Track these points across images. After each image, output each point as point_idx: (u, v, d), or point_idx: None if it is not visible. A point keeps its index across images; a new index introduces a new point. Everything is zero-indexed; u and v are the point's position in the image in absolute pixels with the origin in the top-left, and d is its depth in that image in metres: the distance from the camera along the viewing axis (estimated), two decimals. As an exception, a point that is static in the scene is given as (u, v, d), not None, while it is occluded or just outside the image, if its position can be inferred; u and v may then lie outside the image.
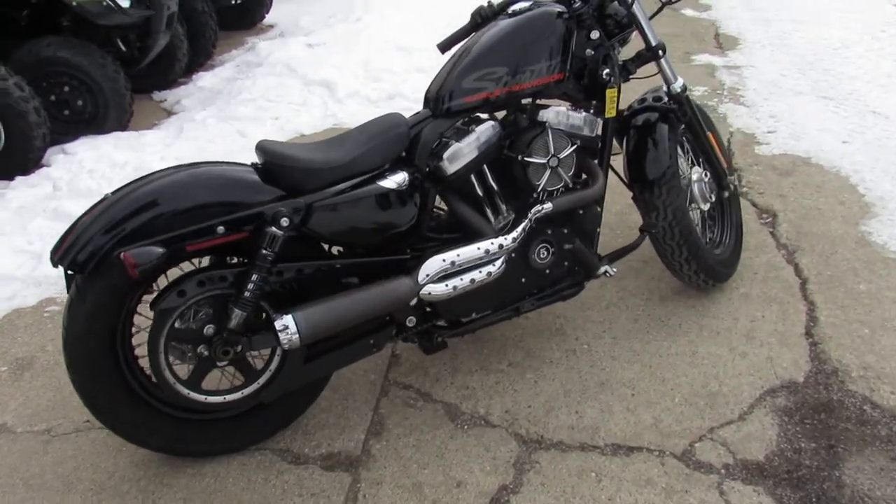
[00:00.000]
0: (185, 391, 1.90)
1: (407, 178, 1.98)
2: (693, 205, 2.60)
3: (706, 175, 2.64)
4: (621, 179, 2.52)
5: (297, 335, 1.80)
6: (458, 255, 1.99)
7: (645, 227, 2.41)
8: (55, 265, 1.76)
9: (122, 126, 4.07)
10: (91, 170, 3.45)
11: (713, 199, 2.68)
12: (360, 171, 1.95)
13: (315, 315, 1.83)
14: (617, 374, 2.35)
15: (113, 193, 1.83)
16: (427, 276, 1.96)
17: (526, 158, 2.07)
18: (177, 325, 1.86)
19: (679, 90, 2.40)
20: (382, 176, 1.97)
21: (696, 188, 2.62)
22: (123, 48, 4.33)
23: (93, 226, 1.75)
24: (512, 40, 2.07)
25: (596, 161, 2.33)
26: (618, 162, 2.50)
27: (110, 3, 3.78)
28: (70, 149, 3.75)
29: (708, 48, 5.50)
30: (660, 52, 2.32)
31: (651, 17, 2.38)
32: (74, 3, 3.72)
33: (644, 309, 2.65)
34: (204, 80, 4.92)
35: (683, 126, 2.52)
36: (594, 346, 2.48)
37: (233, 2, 6.10)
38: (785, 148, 3.84)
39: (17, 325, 2.75)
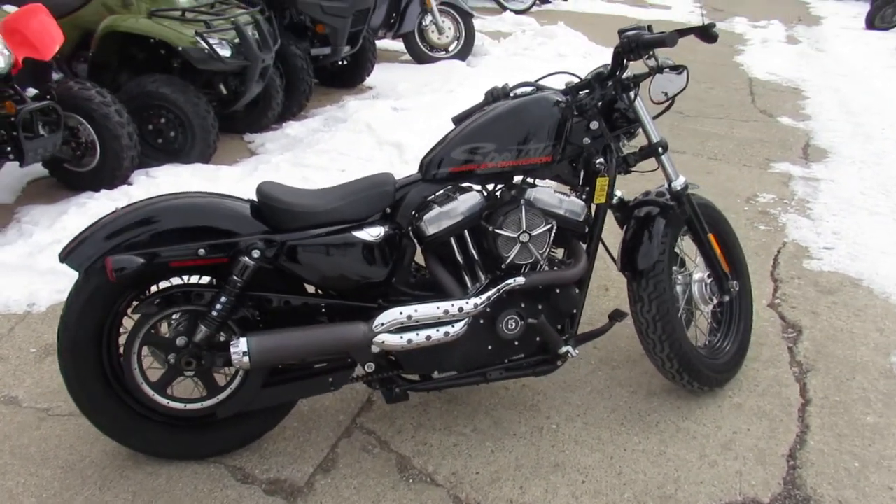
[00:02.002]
0: (150, 392, 2.09)
1: (382, 233, 2.12)
2: (688, 306, 2.59)
3: (709, 277, 2.62)
4: (616, 265, 2.55)
5: (247, 357, 1.95)
6: (416, 311, 2.09)
7: (613, 315, 2.42)
8: (61, 261, 2.02)
9: (205, 159, 4.49)
10: (165, 192, 3.84)
11: (714, 301, 2.65)
12: (340, 220, 2.12)
13: (267, 342, 1.98)
14: (575, 458, 2.34)
15: (122, 208, 2.09)
16: (382, 325, 2.07)
17: (496, 230, 2.17)
18: (153, 331, 2.08)
19: (679, 188, 2.44)
20: (360, 227, 2.12)
21: (695, 288, 2.61)
22: (224, 91, 4.82)
23: (96, 233, 2.00)
24: (504, 120, 2.21)
25: (585, 245, 2.40)
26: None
27: (211, 52, 4.25)
28: (153, 172, 4.18)
29: (791, 157, 5.38)
30: (660, 149, 2.38)
31: (658, 116, 2.44)
32: (180, 49, 4.21)
33: (626, 401, 2.62)
34: (292, 128, 5.35)
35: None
36: (562, 428, 2.48)
37: (339, 63, 6.61)
38: (837, 266, 3.70)
39: (58, 315, 3.07)
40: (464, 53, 7.97)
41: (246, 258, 1.99)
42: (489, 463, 2.31)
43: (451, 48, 7.97)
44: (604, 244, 2.59)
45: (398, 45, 8.24)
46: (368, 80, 6.93)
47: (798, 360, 2.88)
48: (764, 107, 6.85)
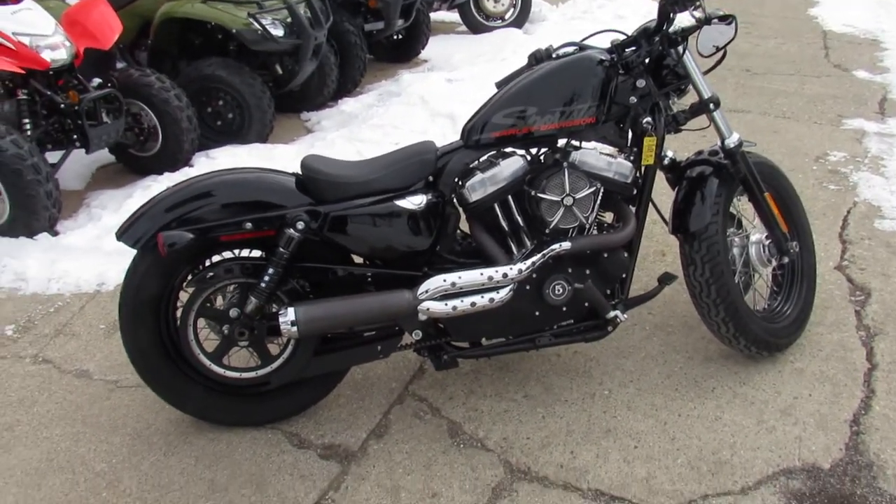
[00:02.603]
0: (206, 362, 2.18)
1: (425, 202, 2.13)
2: (745, 269, 2.50)
3: (766, 238, 2.53)
4: (667, 227, 2.48)
5: (296, 327, 2.00)
6: (460, 278, 2.10)
7: (663, 278, 2.36)
8: (117, 239, 2.11)
9: (262, 139, 4.59)
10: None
11: (773, 263, 2.55)
12: (382, 190, 2.13)
13: (314, 311, 2.03)
14: (627, 424, 2.31)
15: (171, 187, 2.16)
16: (426, 292, 2.09)
17: (539, 194, 2.14)
18: (208, 304, 2.15)
19: (733, 146, 2.34)
20: (402, 196, 2.13)
21: (753, 250, 2.52)
22: (280, 71, 4.90)
23: (149, 211, 2.08)
24: (544, 82, 2.17)
25: (633, 207, 2.34)
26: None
27: (264, 32, 4.32)
28: (213, 154, 4.31)
29: (866, 113, 5.08)
30: (711, 105, 2.29)
31: (709, 70, 2.35)
32: (234, 31, 4.30)
33: (682, 366, 2.57)
34: (347, 105, 5.40)
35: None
36: (615, 394, 2.45)
37: (395, 37, 6.61)
38: (912, 226, 3.50)
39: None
40: (520, 21, 7.85)
41: (291, 230, 2.04)
42: (540, 429, 2.31)
43: (507, 16, 7.85)
44: (655, 206, 2.53)
45: (454, 15, 8.17)
46: (423, 53, 6.92)
47: (865, 324, 2.75)
48: (838, 61, 6.49)
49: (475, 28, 7.72)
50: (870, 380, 2.47)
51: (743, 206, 2.59)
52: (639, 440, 2.25)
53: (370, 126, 4.76)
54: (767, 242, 2.53)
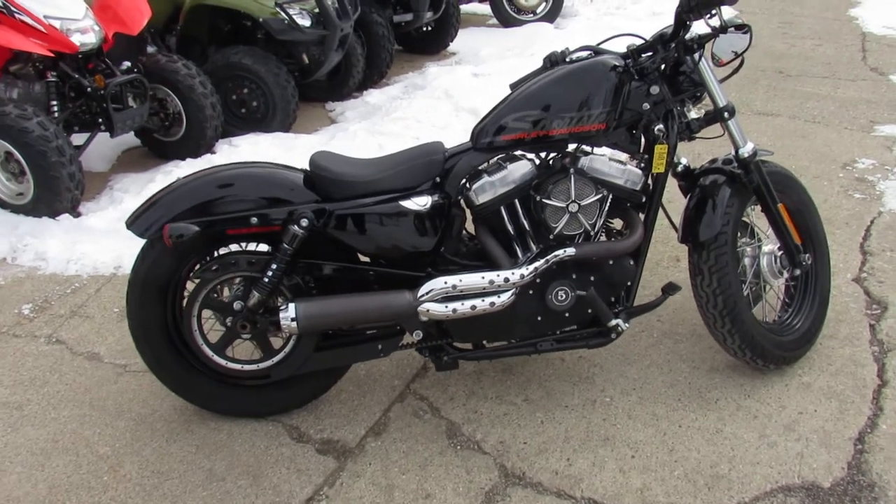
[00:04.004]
0: (209, 353, 2.22)
1: (430, 203, 2.13)
2: (756, 279, 2.46)
3: (779, 249, 2.48)
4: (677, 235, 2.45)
5: (295, 323, 2.02)
6: (461, 281, 2.10)
7: (666, 288, 2.34)
8: (127, 228, 2.15)
9: (286, 128, 4.63)
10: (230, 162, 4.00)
11: (785, 275, 2.51)
12: (389, 189, 2.14)
13: (314, 308, 2.05)
14: (626, 433, 2.30)
15: (182, 179, 2.19)
16: (427, 293, 2.09)
17: (543, 200, 2.13)
18: (214, 295, 2.18)
19: (747, 155, 2.30)
20: (407, 197, 2.14)
21: (764, 261, 2.48)
22: (307, 61, 4.92)
23: (158, 202, 2.11)
24: (556, 87, 2.15)
25: (643, 215, 2.32)
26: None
27: (291, 21, 4.34)
28: (236, 141, 4.36)
29: (900, 120, 4.97)
30: (725, 114, 2.25)
31: (725, 78, 2.30)
32: (261, 20, 4.33)
33: (686, 376, 2.54)
34: (372, 96, 5.41)
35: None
36: (616, 402, 2.43)
37: (424, 29, 6.60)
38: (938, 240, 3.41)
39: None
40: (552, 15, 7.78)
41: (295, 227, 2.05)
42: (538, 433, 2.31)
43: (538, 10, 7.80)
44: (666, 213, 2.51)
45: (485, 8, 8.13)
46: (452, 46, 6.90)
47: (879, 339, 2.70)
48: (875, 64, 6.33)
49: (506, 21, 7.68)
50: (878, 397, 2.42)
51: (757, 215, 2.55)
52: (637, 450, 2.24)
53: (393, 119, 4.77)
54: (779, 254, 2.49)
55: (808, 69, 6.20)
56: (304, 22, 4.44)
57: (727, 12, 2.13)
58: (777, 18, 8.02)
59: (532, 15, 7.73)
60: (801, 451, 2.21)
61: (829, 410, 2.36)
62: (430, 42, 6.79)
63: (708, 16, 2.09)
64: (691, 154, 3.98)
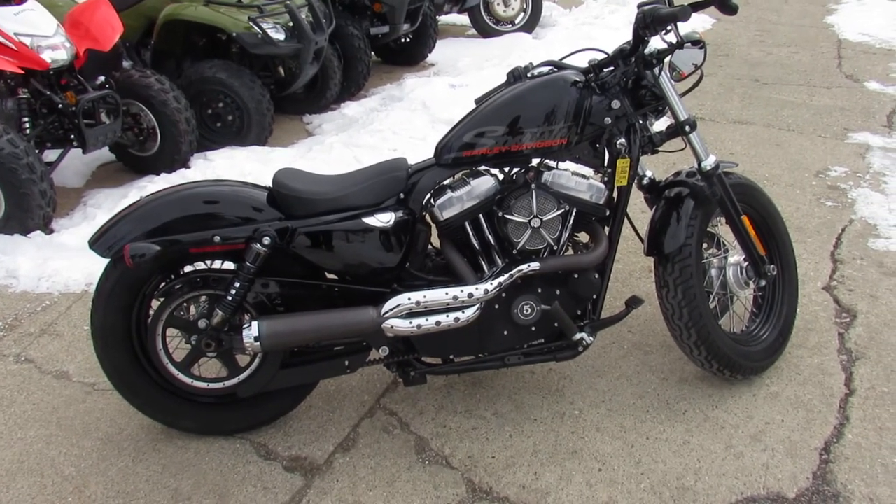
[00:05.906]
0: (175, 372, 2.21)
1: (393, 219, 2.14)
2: (723, 291, 2.48)
3: (745, 260, 2.51)
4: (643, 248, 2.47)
5: (258, 342, 2.02)
6: (425, 297, 2.10)
7: (630, 302, 2.35)
8: (90, 247, 2.14)
9: (262, 141, 4.62)
10: (220, 176, 3.99)
11: (751, 286, 2.53)
12: (352, 206, 2.14)
13: (278, 326, 2.04)
14: (594, 445, 2.31)
15: (146, 197, 2.18)
16: (391, 310, 2.10)
17: (506, 215, 2.14)
18: (180, 312, 2.18)
19: (709, 168, 2.32)
20: (370, 213, 2.14)
21: (730, 272, 2.51)
22: (283, 74, 4.93)
23: (120, 221, 2.10)
24: (517, 102, 2.16)
25: (607, 228, 2.33)
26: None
27: (264, 36, 4.35)
28: (211, 156, 4.35)
29: (872, 126, 5.01)
30: (687, 127, 2.27)
31: (686, 92, 2.33)
32: (234, 34, 4.33)
33: (656, 387, 2.55)
34: (349, 108, 5.42)
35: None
36: (585, 414, 2.44)
37: (402, 40, 6.62)
38: (907, 247, 3.44)
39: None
40: (530, 25, 7.82)
41: (257, 245, 2.05)
42: (506, 447, 2.31)
43: (517, 20, 7.83)
44: (633, 226, 2.53)
45: (464, 19, 8.16)
46: (430, 57, 6.92)
47: (847, 348, 2.72)
48: (850, 71, 6.40)
49: (485, 32, 7.71)
50: (845, 406, 2.44)
51: (724, 227, 2.57)
52: (604, 463, 2.24)
53: (370, 131, 4.78)
54: (745, 265, 2.51)
55: (784, 77, 6.26)
56: (278, 36, 4.45)
57: (683, 28, 2.15)
58: (755, 26, 8.10)
59: (511, 25, 7.77)
60: (766, 461, 2.22)
61: (796, 420, 2.38)
62: (409, 54, 6.81)
63: (664, 32, 2.11)
64: (666, 164, 4.01)
